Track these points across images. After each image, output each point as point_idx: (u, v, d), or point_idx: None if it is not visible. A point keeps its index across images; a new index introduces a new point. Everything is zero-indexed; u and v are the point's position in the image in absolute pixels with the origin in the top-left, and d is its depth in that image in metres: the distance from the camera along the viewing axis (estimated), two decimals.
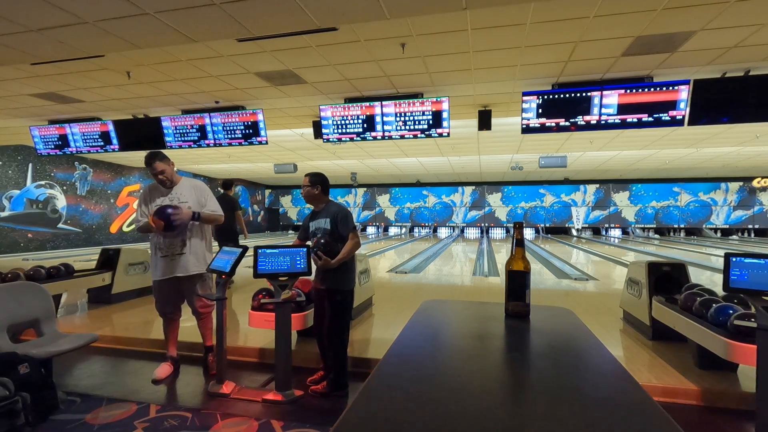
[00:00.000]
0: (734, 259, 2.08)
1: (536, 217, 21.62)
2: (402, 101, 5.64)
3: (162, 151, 3.26)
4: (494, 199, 22.00)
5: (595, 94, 5.02)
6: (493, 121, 6.55)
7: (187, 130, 6.56)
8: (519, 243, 1.37)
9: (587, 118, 5.09)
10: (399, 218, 22.92)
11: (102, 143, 7.04)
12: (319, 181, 3.05)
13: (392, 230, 22.81)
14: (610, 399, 0.82)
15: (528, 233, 21.12)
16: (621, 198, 20.84)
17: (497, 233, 21.56)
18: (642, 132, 8.78)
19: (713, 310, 2.80)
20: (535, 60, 4.62)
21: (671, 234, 20.28)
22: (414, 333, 1.27)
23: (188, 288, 3.23)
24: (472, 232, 21.85)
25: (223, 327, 2.92)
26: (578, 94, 5.08)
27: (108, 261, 5.49)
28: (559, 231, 21.35)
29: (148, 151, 3.20)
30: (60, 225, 12.64)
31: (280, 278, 2.82)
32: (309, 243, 2.98)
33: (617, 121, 5.00)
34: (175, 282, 3.19)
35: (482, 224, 22.02)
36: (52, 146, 7.40)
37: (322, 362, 3.08)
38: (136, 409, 2.65)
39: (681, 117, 4.84)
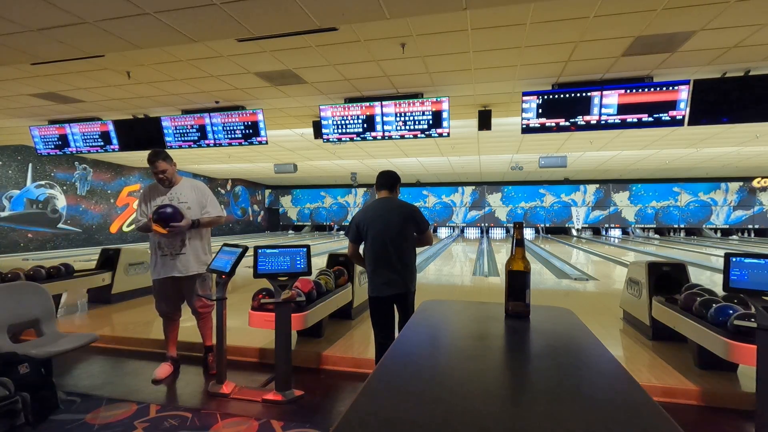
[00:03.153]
0: (734, 259, 2.08)
1: (536, 217, 21.61)
2: (402, 101, 5.63)
3: (166, 150, 3.27)
4: (494, 199, 22.00)
5: (595, 94, 5.02)
6: (493, 121, 6.55)
7: (187, 130, 6.56)
8: (519, 243, 1.37)
9: (587, 118, 5.09)
10: None
11: (102, 143, 7.04)
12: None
13: None
14: (610, 399, 0.82)
15: (528, 233, 21.12)
16: (621, 198, 20.84)
17: (497, 233, 21.56)
18: (642, 132, 8.77)
19: (713, 310, 2.80)
20: (535, 60, 4.62)
21: (671, 234, 20.28)
22: (414, 333, 1.27)
23: (188, 288, 3.23)
24: (472, 232, 21.85)
25: (223, 327, 2.91)
26: (578, 94, 5.08)
27: (108, 261, 5.49)
28: (559, 231, 21.35)
29: (153, 149, 3.20)
30: (60, 225, 12.64)
31: (280, 278, 2.82)
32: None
33: (617, 121, 5.00)
34: (174, 282, 3.19)
35: (482, 224, 22.02)
36: (52, 146, 7.39)
37: None
38: (136, 409, 2.65)
39: (681, 117, 4.83)
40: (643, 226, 20.68)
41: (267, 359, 3.48)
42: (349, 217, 23.58)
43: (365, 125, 5.85)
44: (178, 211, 3.05)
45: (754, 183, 18.59)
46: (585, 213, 21.24)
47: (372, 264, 2.76)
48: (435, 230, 22.33)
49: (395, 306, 2.82)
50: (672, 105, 4.82)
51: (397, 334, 2.87)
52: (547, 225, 21.51)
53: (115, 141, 6.97)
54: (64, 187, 12.77)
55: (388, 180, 2.89)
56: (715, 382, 2.85)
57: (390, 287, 2.72)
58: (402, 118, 5.68)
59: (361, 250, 2.90)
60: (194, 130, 6.53)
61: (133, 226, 14.31)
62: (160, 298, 3.26)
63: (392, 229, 2.72)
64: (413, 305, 2.84)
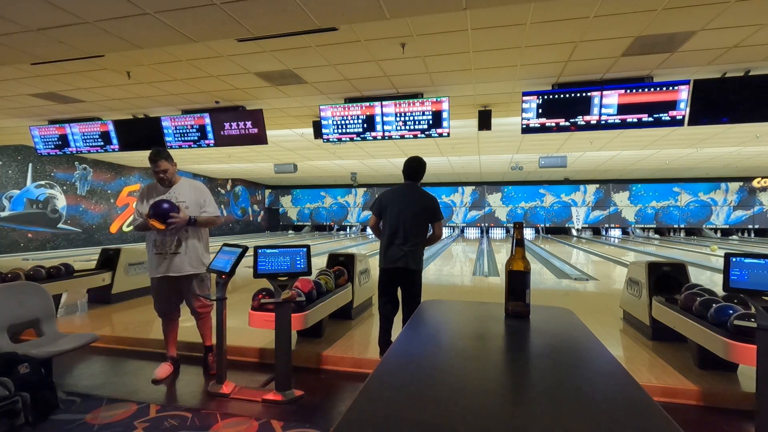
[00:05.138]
0: (734, 259, 2.08)
1: (536, 217, 21.61)
2: (402, 101, 5.63)
3: (167, 150, 3.26)
4: (494, 199, 22.00)
5: (595, 94, 5.02)
6: (493, 121, 6.55)
7: (187, 130, 6.56)
8: (519, 243, 1.37)
9: (587, 118, 5.09)
10: None
11: (102, 143, 7.04)
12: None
13: None
14: (610, 399, 0.82)
15: (528, 233, 21.11)
16: (621, 198, 20.83)
17: (497, 233, 21.56)
18: (642, 132, 8.77)
19: (713, 310, 2.80)
20: (535, 60, 4.62)
21: (671, 234, 20.28)
22: (414, 333, 1.27)
23: (186, 288, 3.22)
24: (472, 232, 21.85)
25: (223, 327, 2.91)
26: (578, 94, 5.07)
27: (108, 261, 5.49)
28: (559, 231, 21.35)
29: (155, 148, 3.18)
30: (60, 225, 12.64)
31: (280, 278, 2.82)
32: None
33: (617, 121, 5.00)
34: (172, 281, 3.19)
35: (482, 224, 22.02)
36: (52, 146, 7.39)
37: None
38: (136, 409, 2.65)
39: (681, 117, 4.83)
40: (643, 226, 20.68)
41: (267, 359, 3.48)
42: (350, 218, 23.68)
43: (365, 125, 5.85)
44: (174, 206, 3.03)
45: (754, 183, 18.59)
46: (585, 213, 21.24)
47: (385, 239, 3.23)
48: None
49: (400, 285, 3.25)
50: (672, 105, 4.82)
51: (398, 327, 2.99)
52: (547, 225, 21.51)
53: (115, 141, 6.97)
54: (64, 187, 12.76)
55: (413, 170, 3.32)
56: (715, 382, 2.85)
57: (395, 263, 3.17)
58: (402, 118, 5.68)
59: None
60: (194, 130, 6.53)
61: (132, 227, 14.31)
62: (158, 297, 3.26)
63: (408, 212, 3.16)
64: (419, 284, 3.22)
